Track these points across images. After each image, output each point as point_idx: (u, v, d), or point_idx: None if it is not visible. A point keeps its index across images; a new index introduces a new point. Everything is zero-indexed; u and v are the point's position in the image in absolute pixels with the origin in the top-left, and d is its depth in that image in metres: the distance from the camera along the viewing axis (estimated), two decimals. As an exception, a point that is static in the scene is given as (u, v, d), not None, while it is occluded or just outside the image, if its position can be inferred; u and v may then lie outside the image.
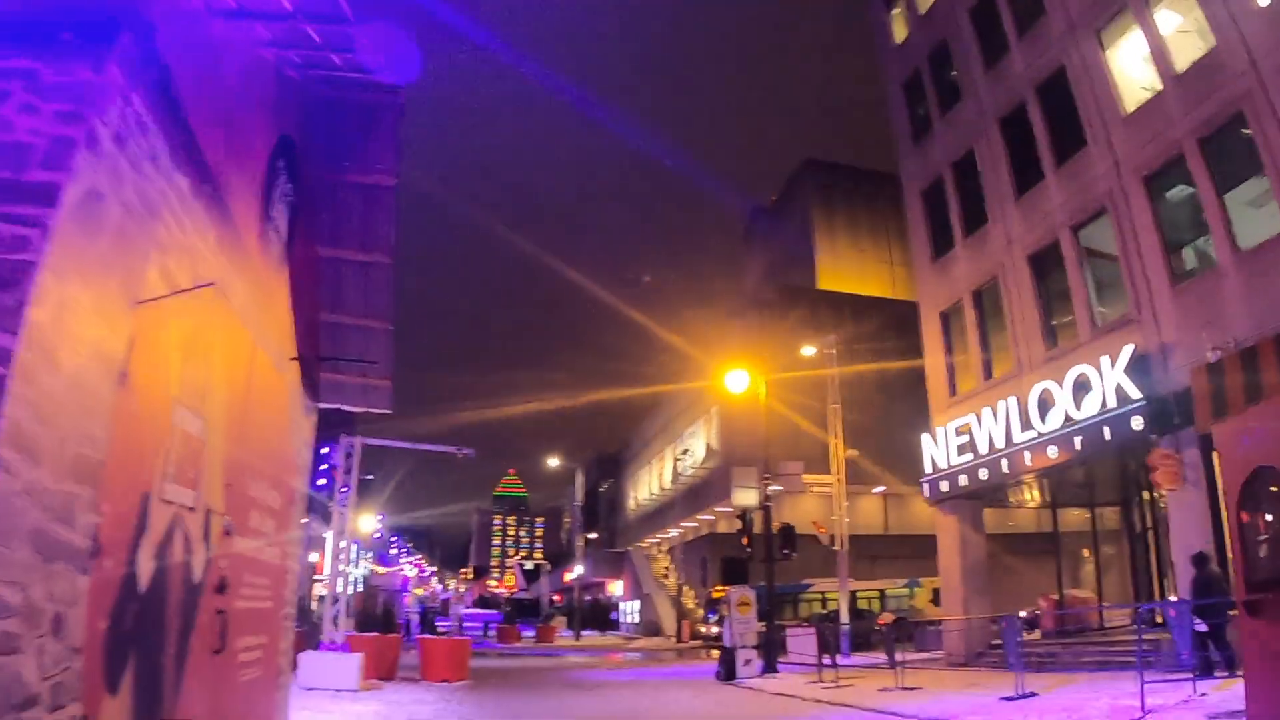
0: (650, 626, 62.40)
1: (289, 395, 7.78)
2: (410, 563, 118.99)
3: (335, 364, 9.66)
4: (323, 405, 10.14)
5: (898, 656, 24.26)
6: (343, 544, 19.79)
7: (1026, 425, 21.38)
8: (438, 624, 36.53)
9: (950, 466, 24.18)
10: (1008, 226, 23.90)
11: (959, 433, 23.99)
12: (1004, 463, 22.03)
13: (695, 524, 61.58)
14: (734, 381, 25.36)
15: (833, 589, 41.24)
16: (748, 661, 21.75)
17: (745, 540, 24.10)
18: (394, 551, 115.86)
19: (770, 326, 48.54)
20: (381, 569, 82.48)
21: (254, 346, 6.15)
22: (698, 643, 48.21)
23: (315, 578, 68.60)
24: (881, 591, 42.64)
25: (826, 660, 21.61)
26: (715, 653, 39.58)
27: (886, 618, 37.09)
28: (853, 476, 35.16)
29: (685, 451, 62.06)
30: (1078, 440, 19.84)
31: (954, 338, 26.31)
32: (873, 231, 64.57)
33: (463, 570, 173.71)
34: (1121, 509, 25.19)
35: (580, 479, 69.32)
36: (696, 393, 59.52)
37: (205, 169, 5.20)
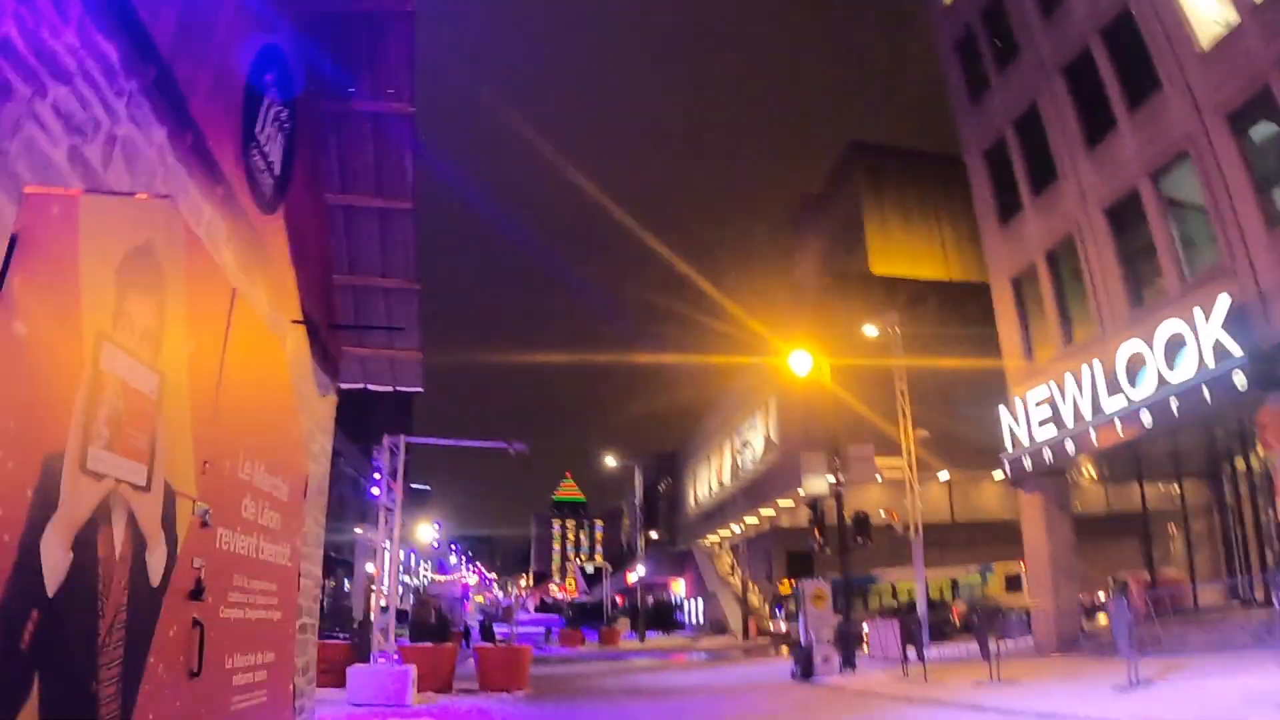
0: (715, 625, 61.28)
1: (292, 365, 6.62)
2: (471, 570, 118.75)
3: (355, 334, 8.44)
4: (345, 385, 8.95)
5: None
6: (391, 550, 18.71)
7: (1115, 390, 19.79)
8: (496, 631, 35.26)
9: (1032, 441, 22.59)
10: (1080, 180, 22.36)
11: (1040, 404, 22.41)
12: (1092, 434, 20.44)
13: (757, 519, 60.70)
14: (797, 363, 23.91)
15: (902, 579, 39.95)
16: (825, 658, 20.34)
17: (817, 531, 22.61)
18: (454, 560, 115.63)
19: (827, 311, 46.99)
20: (441, 577, 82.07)
21: (234, 293, 4.93)
22: (765, 640, 47.47)
23: (374, 587, 68.08)
24: (954, 580, 41.32)
25: (911, 653, 20.15)
26: (784, 650, 38.63)
27: (960, 606, 35.99)
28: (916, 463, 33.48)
29: (746, 444, 61.19)
30: (1174, 403, 18.15)
31: (1028, 304, 24.71)
32: (924, 214, 63.01)
33: (523, 575, 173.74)
34: (1209, 481, 23.64)
35: (639, 477, 68.36)
36: (753, 386, 59.49)
37: (143, 37, 4.00)
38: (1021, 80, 24.83)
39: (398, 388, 10.05)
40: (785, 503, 60.16)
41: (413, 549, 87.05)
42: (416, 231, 7.85)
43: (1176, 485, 24.40)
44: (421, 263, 8.40)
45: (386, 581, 18.73)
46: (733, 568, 64.36)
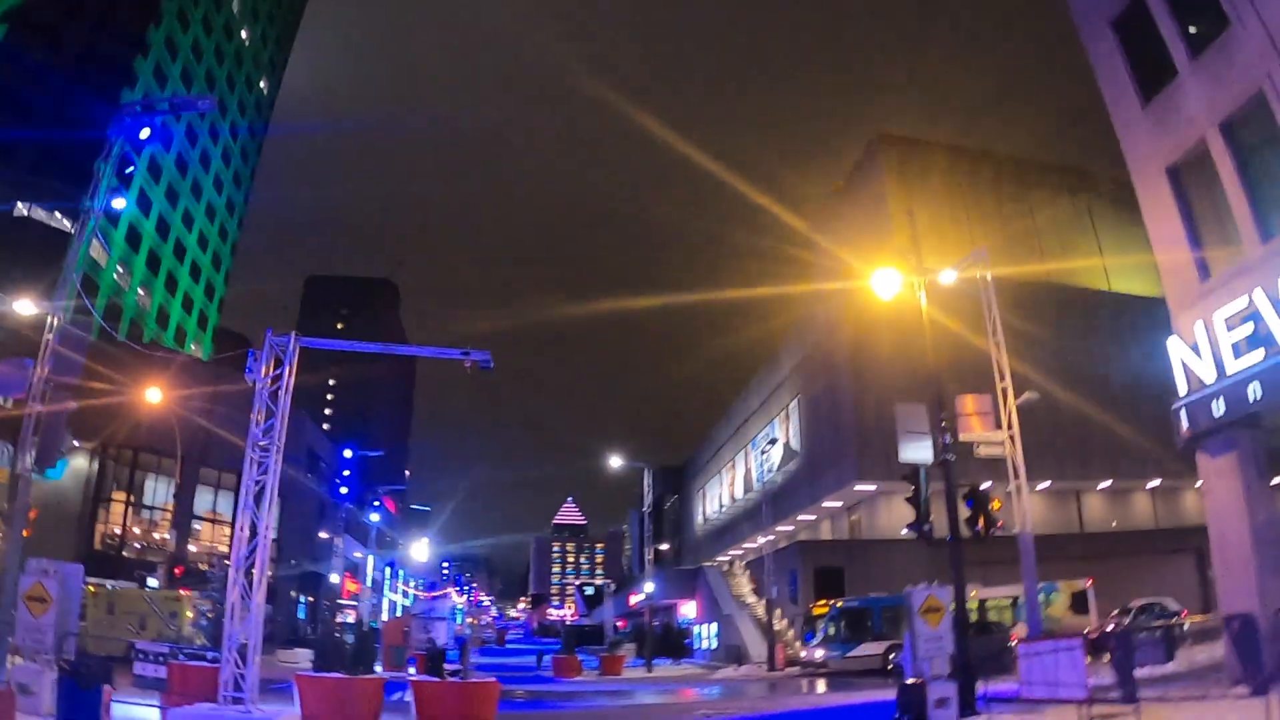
0: (732, 652, 54.60)
1: None
2: (461, 591, 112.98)
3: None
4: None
5: (1140, 672, 16.25)
6: (253, 513, 11.98)
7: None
8: (448, 665, 27.06)
9: (1225, 376, 15.74)
10: (1265, 20, 15.80)
11: (1232, 324, 15.63)
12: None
13: (773, 536, 56.98)
14: (882, 283, 17.38)
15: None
16: (942, 700, 13.26)
17: (918, 518, 15.64)
18: (445, 574, 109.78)
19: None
20: (424, 593, 76.50)
21: None
22: (794, 670, 41.44)
23: (341, 602, 61.66)
24: (1014, 599, 36.02)
25: (1102, 683, 13.33)
26: (821, 683, 32.33)
27: (1020, 631, 30.34)
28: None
29: (772, 442, 57.98)
30: None
31: (1194, 197, 18.01)
32: (953, 208, 58.43)
33: (523, 598, 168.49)
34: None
35: (648, 481, 63.36)
36: (772, 391, 58.86)
37: None
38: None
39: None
40: (810, 515, 56.89)
41: (401, 565, 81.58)
42: None
43: None
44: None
45: (241, 568, 11.91)
46: (752, 588, 58.25)
